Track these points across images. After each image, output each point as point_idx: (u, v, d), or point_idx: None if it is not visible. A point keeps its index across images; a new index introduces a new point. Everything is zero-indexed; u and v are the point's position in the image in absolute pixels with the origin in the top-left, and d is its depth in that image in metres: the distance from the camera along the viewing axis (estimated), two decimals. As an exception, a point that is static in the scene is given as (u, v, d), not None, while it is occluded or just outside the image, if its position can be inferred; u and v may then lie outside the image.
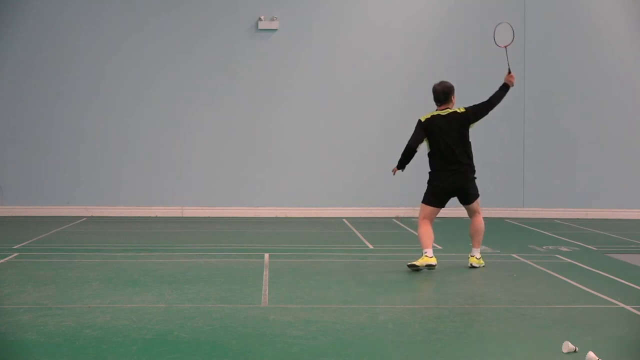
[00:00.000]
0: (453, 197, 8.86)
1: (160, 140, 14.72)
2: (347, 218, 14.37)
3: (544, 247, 10.64)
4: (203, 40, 14.74)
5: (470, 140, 8.80)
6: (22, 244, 10.54)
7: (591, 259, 9.66)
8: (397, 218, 14.47)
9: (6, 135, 14.58)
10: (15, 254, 9.63)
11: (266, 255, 9.66)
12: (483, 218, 8.97)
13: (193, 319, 6.37)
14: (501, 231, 12.79)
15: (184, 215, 14.68)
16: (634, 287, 7.86)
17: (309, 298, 7.30)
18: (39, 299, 7.07)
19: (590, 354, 5.20)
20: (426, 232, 8.68)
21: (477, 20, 14.85)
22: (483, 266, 8.92)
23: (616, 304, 7.07)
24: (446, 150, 8.69)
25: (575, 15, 15.08)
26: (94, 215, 14.50)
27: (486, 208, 14.91)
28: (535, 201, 15.01)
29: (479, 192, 8.90)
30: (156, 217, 14.52)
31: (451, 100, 8.81)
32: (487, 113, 8.84)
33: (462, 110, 8.76)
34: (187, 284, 7.83)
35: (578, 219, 14.62)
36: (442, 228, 12.54)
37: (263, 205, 14.82)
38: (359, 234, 12.11)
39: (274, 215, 14.71)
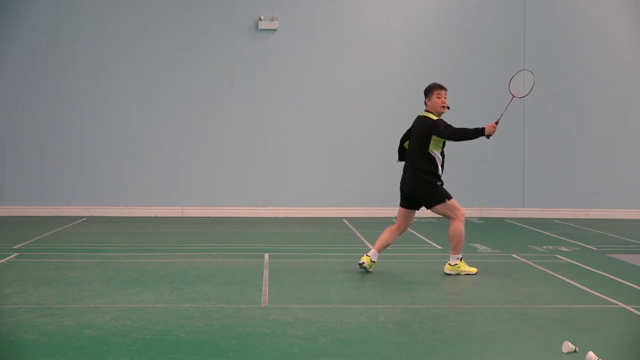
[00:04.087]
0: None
1: (160, 140, 14.72)
2: (347, 218, 14.36)
3: (544, 247, 10.64)
4: (203, 40, 14.74)
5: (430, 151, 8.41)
6: (22, 244, 10.54)
7: (591, 259, 9.66)
8: (397, 218, 14.43)
9: (6, 136, 14.58)
10: (15, 254, 9.62)
11: (266, 255, 9.66)
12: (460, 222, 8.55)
13: (193, 319, 6.36)
14: (501, 231, 12.78)
15: (184, 215, 14.67)
16: (634, 287, 7.86)
17: (309, 298, 7.29)
18: (39, 299, 7.07)
19: (590, 354, 5.20)
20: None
21: (477, 21, 14.86)
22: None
23: (616, 304, 7.07)
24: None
25: (576, 16, 15.09)
26: (93, 215, 14.50)
27: (486, 208, 15.02)
28: (535, 201, 15.01)
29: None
30: (156, 217, 14.52)
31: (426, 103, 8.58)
32: (447, 139, 8.29)
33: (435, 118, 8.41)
34: (187, 284, 7.83)
35: (578, 219, 14.62)
36: (443, 228, 12.54)
37: (263, 206, 14.82)
38: (359, 234, 12.10)
39: (274, 215, 14.71)
